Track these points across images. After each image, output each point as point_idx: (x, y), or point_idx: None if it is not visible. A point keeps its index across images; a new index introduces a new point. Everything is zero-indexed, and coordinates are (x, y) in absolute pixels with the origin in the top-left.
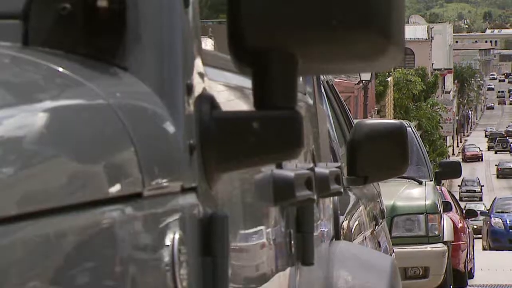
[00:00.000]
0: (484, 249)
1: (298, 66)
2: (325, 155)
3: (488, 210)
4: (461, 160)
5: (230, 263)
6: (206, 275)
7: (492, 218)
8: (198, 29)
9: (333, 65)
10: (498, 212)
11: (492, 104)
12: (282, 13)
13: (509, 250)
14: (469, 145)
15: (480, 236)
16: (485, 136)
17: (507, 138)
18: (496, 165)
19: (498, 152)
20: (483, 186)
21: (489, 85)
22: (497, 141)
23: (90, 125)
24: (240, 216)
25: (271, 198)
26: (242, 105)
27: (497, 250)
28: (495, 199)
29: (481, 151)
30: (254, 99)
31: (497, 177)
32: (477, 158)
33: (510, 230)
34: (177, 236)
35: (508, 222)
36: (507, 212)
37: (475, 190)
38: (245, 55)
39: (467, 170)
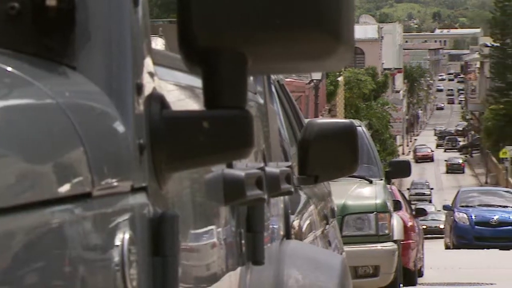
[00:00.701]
0: (447, 247)
1: (248, 66)
2: (275, 154)
3: (451, 204)
4: (412, 160)
5: (181, 263)
6: (156, 275)
7: (456, 213)
8: (147, 28)
9: (283, 65)
10: (463, 206)
11: (442, 105)
12: (232, 13)
13: (475, 248)
14: (420, 145)
15: (442, 235)
16: (435, 134)
17: (456, 137)
18: (445, 160)
19: (447, 150)
20: (432, 189)
21: (438, 86)
22: (446, 140)
23: (38, 125)
24: (190, 215)
25: (221, 197)
26: (193, 104)
27: (462, 248)
28: (458, 191)
29: (432, 151)
30: (204, 99)
31: (447, 172)
32: (428, 158)
33: (476, 226)
34: (127, 236)
35: (473, 217)
36: (471, 206)
37: (424, 193)
38: (195, 54)
39: (417, 170)
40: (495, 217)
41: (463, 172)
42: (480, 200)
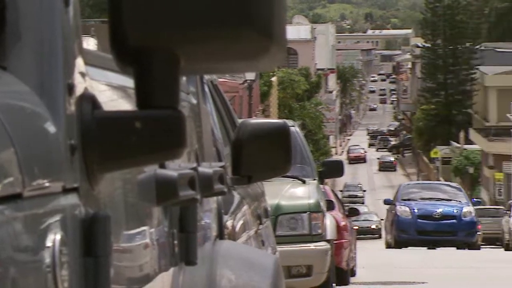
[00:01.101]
0: (388, 246)
1: (181, 66)
2: (209, 154)
3: (393, 198)
4: (346, 161)
5: (113, 263)
6: (88, 276)
7: (398, 206)
8: (79, 28)
9: (216, 65)
10: (405, 200)
11: (375, 106)
12: (164, 12)
13: (417, 242)
14: (354, 146)
15: (375, 235)
16: (368, 134)
17: (388, 136)
18: (378, 158)
19: (379, 150)
20: (365, 191)
21: (370, 87)
22: (378, 139)
23: None
24: (122, 216)
25: (153, 198)
26: (125, 104)
27: (404, 243)
28: (400, 186)
29: (365, 152)
30: (136, 99)
31: (379, 170)
32: (361, 159)
33: (419, 220)
34: (58, 236)
35: (416, 210)
36: (414, 200)
37: (357, 195)
38: (127, 54)
39: (350, 170)
40: (439, 210)
41: (395, 170)
42: (422, 194)
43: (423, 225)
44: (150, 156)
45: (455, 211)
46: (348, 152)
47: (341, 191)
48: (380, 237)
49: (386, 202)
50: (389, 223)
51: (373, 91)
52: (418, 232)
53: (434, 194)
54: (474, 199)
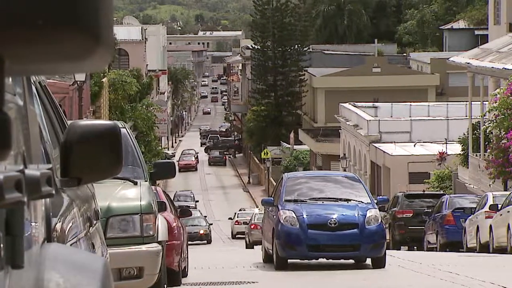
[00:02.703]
0: (267, 261)
1: (5, 67)
2: (36, 156)
3: (273, 197)
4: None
5: None
6: None
7: (281, 211)
8: None
9: (42, 66)
10: (290, 201)
11: (209, 109)
12: None
13: (308, 259)
14: (187, 150)
15: (203, 242)
16: (200, 134)
17: (218, 136)
18: (207, 153)
19: (212, 149)
20: (197, 201)
21: (202, 92)
22: (209, 138)
23: None
24: None
25: None
26: None
27: (291, 262)
28: (282, 179)
29: (196, 160)
30: None
31: (209, 164)
32: (192, 167)
33: (310, 231)
34: None
35: (305, 217)
36: (302, 202)
37: (189, 206)
38: None
39: (181, 176)
40: (334, 216)
41: (225, 165)
42: (312, 192)
43: (316, 237)
44: None
45: (356, 216)
46: (178, 160)
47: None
48: (209, 242)
49: (265, 203)
50: (268, 232)
51: (205, 96)
52: (310, 247)
53: (328, 191)
54: (380, 197)
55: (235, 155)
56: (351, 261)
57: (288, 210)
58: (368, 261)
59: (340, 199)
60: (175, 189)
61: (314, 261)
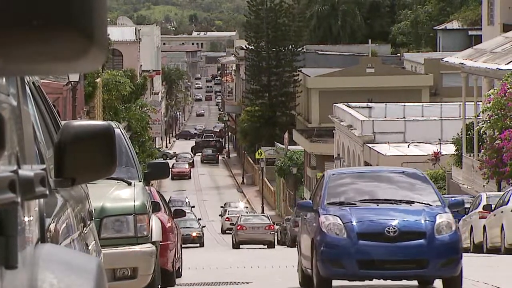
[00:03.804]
0: (304, 284)
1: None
2: (30, 157)
3: (311, 199)
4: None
5: None
6: None
7: (323, 216)
8: None
9: (36, 66)
10: (333, 204)
11: (203, 111)
12: None
13: (360, 279)
14: (181, 155)
15: (195, 245)
16: (194, 133)
17: (213, 134)
18: (200, 152)
19: (205, 148)
20: (193, 207)
21: (197, 95)
22: (204, 137)
23: None
24: None
25: None
26: None
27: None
28: (323, 177)
29: (191, 165)
30: None
31: (202, 162)
32: (185, 175)
33: (361, 241)
34: None
35: (354, 224)
36: (349, 204)
37: (186, 211)
38: None
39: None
40: (394, 223)
41: (217, 163)
42: (362, 190)
43: (369, 250)
44: None
45: (422, 222)
46: (171, 167)
47: None
48: (202, 245)
49: (301, 207)
50: (305, 246)
51: (199, 99)
52: (361, 263)
53: (383, 192)
54: (453, 199)
55: (229, 155)
56: (415, 282)
57: (332, 215)
58: (438, 282)
59: (401, 201)
60: (168, 189)
61: (367, 282)
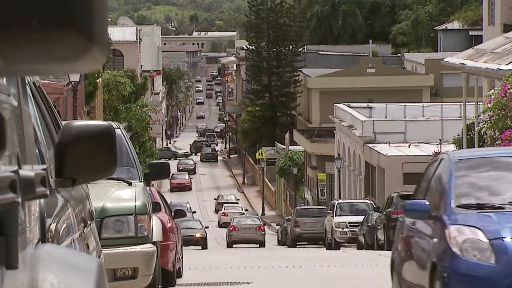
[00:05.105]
0: None
1: (0, 67)
2: (31, 157)
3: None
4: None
5: None
6: None
7: (453, 227)
8: None
9: (36, 66)
10: (465, 208)
11: (203, 114)
12: None
13: None
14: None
15: (197, 247)
16: (197, 132)
17: (214, 133)
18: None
19: (207, 146)
20: (194, 212)
21: (198, 98)
22: (206, 136)
23: None
24: None
25: None
26: None
27: None
28: (440, 160)
29: (191, 178)
30: None
31: (201, 160)
32: (186, 187)
33: None
34: None
35: (508, 241)
36: (494, 207)
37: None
38: None
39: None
40: None
41: (217, 161)
42: (510, 187)
43: None
44: None
45: None
46: (170, 179)
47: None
48: (205, 248)
49: (411, 210)
50: (414, 269)
51: (201, 103)
52: None
53: None
54: None
55: (230, 156)
56: None
57: (469, 226)
58: None
59: None
60: (167, 194)
61: None
